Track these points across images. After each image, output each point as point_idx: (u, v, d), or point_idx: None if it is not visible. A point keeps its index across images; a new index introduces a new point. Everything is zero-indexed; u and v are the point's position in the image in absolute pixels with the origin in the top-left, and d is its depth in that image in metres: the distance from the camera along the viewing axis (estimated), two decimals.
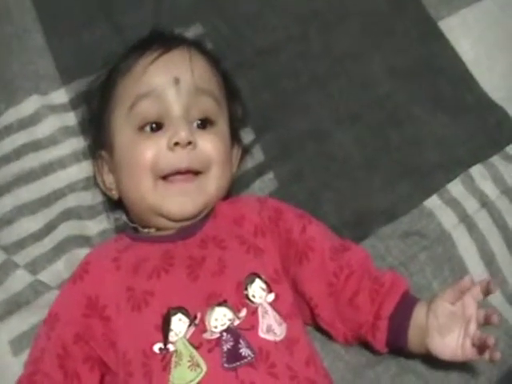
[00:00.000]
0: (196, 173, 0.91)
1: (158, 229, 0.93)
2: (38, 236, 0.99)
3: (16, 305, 0.93)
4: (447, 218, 1.00)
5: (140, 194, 0.91)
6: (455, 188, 1.03)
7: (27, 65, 1.11)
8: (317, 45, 1.17)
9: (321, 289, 0.88)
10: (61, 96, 1.10)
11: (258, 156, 1.07)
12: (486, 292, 0.81)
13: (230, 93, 1.02)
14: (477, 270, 0.97)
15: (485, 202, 1.02)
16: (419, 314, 0.83)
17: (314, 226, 0.91)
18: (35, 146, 1.05)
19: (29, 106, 1.08)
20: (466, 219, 1.00)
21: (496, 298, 0.93)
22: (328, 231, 0.93)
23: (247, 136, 1.08)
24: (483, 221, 1.01)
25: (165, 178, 0.91)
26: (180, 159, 0.90)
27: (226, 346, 0.77)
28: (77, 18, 1.17)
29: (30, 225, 0.99)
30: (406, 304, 0.84)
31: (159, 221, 0.92)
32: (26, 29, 1.14)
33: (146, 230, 0.94)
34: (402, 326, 0.83)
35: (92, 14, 1.17)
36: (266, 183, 1.05)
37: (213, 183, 0.92)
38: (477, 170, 1.05)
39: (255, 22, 1.19)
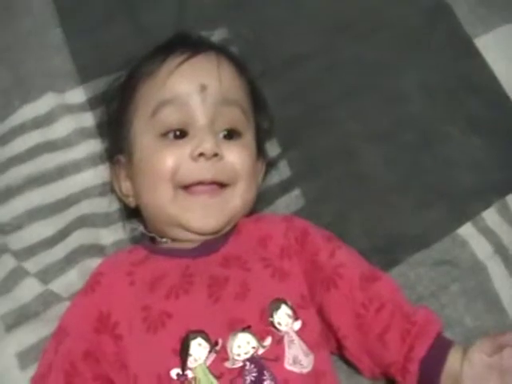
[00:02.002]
0: (221, 185, 0.87)
1: (177, 240, 0.88)
2: (50, 242, 0.94)
3: (24, 316, 0.88)
4: (482, 248, 0.95)
5: (159, 204, 0.87)
6: (490, 216, 0.98)
7: (44, 61, 1.07)
8: (347, 56, 1.12)
9: (348, 319, 0.82)
10: (78, 95, 1.05)
11: (284, 171, 1.02)
12: None
13: (257, 103, 0.98)
14: None
15: None
16: (454, 360, 0.78)
17: (344, 251, 0.87)
18: (50, 146, 1.01)
19: (44, 103, 1.04)
20: (501, 250, 0.95)
21: None
22: (358, 257, 0.88)
23: (273, 149, 1.03)
24: None
25: (186, 187, 0.86)
26: (204, 170, 0.85)
27: (250, 378, 0.72)
28: (97, 15, 1.13)
29: (41, 230, 0.95)
30: (440, 348, 0.79)
31: (179, 232, 0.87)
32: (44, 24, 1.10)
33: (164, 240, 0.89)
34: (435, 370, 0.78)
35: (113, 11, 1.13)
36: (292, 200, 1.00)
37: (238, 198, 0.88)
38: None
39: (282, 29, 1.14)
